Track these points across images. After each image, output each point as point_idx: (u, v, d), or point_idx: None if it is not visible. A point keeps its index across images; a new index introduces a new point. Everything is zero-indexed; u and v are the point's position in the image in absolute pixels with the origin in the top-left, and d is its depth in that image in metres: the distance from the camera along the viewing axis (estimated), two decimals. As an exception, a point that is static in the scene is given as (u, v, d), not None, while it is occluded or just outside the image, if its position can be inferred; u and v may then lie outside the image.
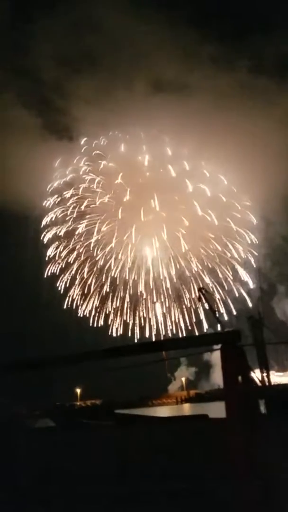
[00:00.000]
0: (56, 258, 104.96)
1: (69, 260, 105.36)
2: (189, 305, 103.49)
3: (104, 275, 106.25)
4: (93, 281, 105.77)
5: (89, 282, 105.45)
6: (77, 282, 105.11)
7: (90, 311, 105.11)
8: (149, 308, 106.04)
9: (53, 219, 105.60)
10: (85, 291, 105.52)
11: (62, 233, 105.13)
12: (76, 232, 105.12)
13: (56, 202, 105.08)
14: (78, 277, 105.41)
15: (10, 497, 7.00)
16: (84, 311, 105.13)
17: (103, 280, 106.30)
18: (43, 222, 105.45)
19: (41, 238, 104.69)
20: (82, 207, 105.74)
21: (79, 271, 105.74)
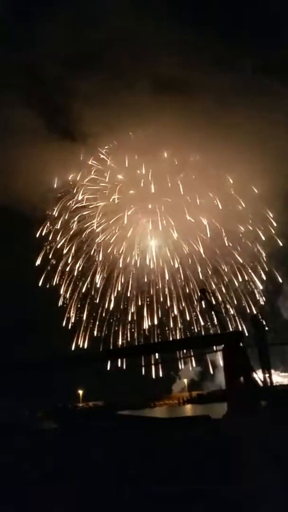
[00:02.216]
0: (57, 269, 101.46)
1: (70, 274, 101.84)
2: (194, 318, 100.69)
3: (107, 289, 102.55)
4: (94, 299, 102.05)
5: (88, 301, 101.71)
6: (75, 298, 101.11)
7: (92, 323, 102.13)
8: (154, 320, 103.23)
9: (56, 226, 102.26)
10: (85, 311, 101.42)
11: (62, 243, 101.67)
12: (76, 244, 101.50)
13: (56, 213, 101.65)
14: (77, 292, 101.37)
15: (13, 497, 7.03)
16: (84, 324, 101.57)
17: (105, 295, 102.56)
18: (44, 230, 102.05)
19: (44, 246, 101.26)
20: (85, 224, 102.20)
21: (79, 286, 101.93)
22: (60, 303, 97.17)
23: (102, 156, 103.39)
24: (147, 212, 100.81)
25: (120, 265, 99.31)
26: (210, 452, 6.34)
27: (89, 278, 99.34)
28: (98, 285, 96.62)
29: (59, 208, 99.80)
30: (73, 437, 9.27)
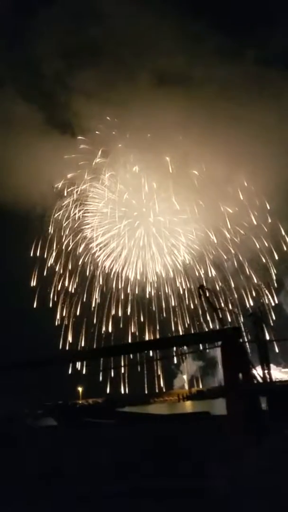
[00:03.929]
0: (53, 289, 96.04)
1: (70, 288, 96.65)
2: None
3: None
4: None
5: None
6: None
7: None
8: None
9: (51, 246, 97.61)
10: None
11: (57, 262, 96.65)
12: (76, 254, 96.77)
13: (52, 229, 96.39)
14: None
15: (13, 494, 7.02)
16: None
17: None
18: (39, 248, 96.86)
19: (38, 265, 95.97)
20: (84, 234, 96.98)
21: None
22: (56, 322, 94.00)
23: (100, 159, 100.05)
24: (149, 226, 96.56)
25: (119, 287, 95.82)
26: (210, 448, 6.33)
27: (84, 298, 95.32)
28: (94, 306, 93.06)
29: (53, 221, 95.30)
30: (73, 434, 9.25)
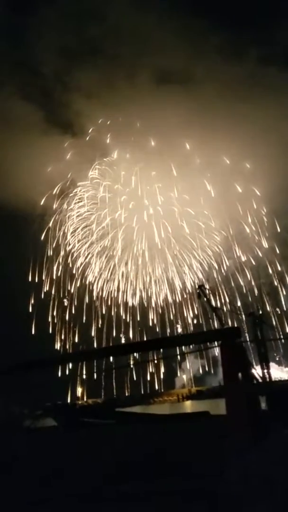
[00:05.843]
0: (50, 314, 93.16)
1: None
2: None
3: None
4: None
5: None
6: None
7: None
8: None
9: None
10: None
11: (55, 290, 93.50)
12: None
13: (51, 251, 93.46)
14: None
15: (12, 496, 7.02)
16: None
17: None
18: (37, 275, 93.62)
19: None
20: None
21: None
22: (57, 347, 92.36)
23: (99, 161, 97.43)
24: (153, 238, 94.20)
25: (121, 313, 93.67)
26: (210, 448, 6.34)
27: (83, 325, 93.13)
28: (94, 334, 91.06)
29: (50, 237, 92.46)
30: (73, 434, 9.27)
